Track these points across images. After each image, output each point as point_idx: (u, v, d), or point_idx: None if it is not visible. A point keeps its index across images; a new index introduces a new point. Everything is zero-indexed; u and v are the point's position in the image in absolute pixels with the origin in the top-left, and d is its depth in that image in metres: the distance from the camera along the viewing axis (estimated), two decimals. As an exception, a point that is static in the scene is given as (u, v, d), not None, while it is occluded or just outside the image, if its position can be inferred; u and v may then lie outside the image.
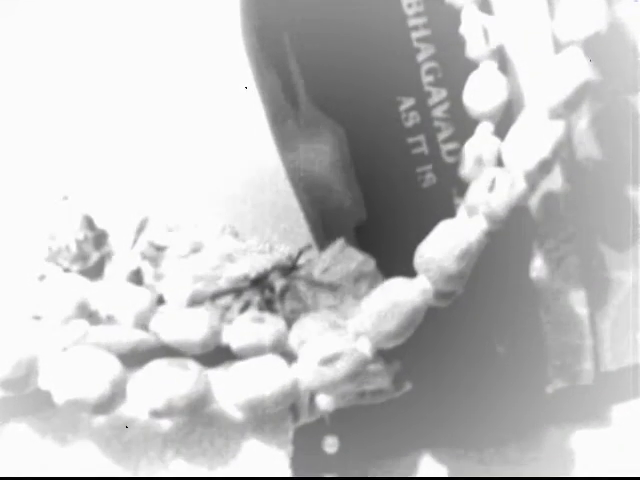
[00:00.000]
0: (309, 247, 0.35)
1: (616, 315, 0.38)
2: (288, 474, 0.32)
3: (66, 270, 0.34)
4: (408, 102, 0.36)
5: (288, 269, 0.35)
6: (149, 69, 0.35)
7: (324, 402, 0.32)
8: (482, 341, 0.37)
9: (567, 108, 0.33)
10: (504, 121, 0.35)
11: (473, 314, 0.36)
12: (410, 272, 0.32)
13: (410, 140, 0.36)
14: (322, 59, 0.35)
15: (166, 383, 0.30)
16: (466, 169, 0.35)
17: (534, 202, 0.37)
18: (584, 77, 0.33)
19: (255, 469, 0.32)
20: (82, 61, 0.35)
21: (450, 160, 0.36)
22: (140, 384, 0.30)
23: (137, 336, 0.32)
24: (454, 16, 0.35)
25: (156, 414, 0.30)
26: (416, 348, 0.32)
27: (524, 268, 0.37)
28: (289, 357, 0.31)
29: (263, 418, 0.32)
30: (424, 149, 0.36)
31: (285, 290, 0.34)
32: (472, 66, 0.35)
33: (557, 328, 0.37)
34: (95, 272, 0.34)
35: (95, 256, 0.34)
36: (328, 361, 0.30)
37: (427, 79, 0.36)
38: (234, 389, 0.30)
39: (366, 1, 0.35)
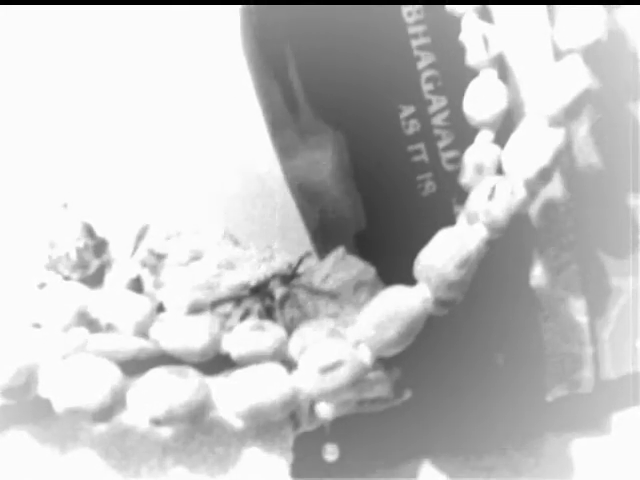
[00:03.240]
0: (309, 255, 0.35)
1: (616, 323, 0.38)
2: (288, 482, 0.32)
3: (66, 278, 0.34)
4: (408, 110, 0.36)
5: (288, 277, 0.35)
6: (151, 78, 0.35)
7: (324, 410, 0.32)
8: (482, 349, 0.37)
9: (567, 116, 0.33)
10: (504, 129, 0.35)
11: (473, 322, 0.36)
12: (410, 280, 0.32)
13: (410, 148, 0.36)
14: (322, 67, 0.35)
15: (166, 391, 0.30)
16: (466, 177, 0.35)
17: (534, 210, 0.37)
18: (584, 85, 0.33)
19: (255, 477, 0.32)
20: (83, 69, 0.35)
21: (450, 168, 0.36)
22: (140, 392, 0.30)
23: (137, 344, 0.32)
24: (454, 24, 0.35)
25: (156, 422, 0.30)
26: (416, 356, 0.32)
27: (524, 276, 0.37)
28: (289, 365, 0.31)
29: (263, 426, 0.32)
30: (424, 157, 0.36)
31: (285, 298, 0.34)
32: (472, 74, 0.35)
33: (557, 336, 0.37)
34: (95, 280, 0.34)
35: (95, 264, 0.34)
36: (328, 369, 0.30)
37: (427, 87, 0.36)
38: (234, 397, 0.30)
39: (366, 9, 0.35)
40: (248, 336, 0.32)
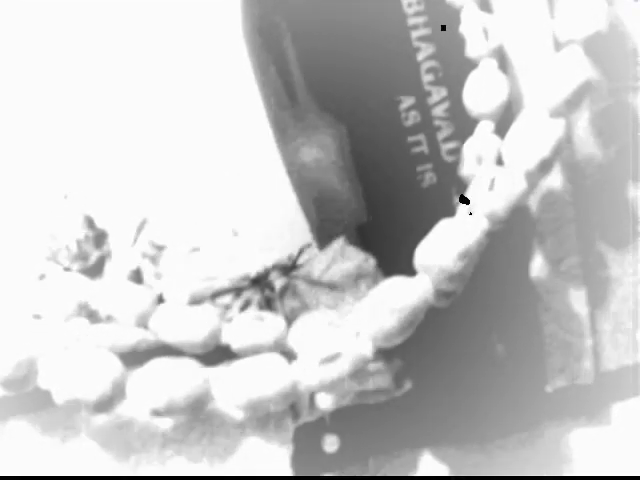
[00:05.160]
0: (309, 246, 0.35)
1: (616, 314, 0.38)
2: (288, 473, 0.32)
3: (66, 269, 0.34)
4: (408, 101, 0.36)
5: (288, 268, 0.35)
6: (150, 68, 0.35)
7: (324, 401, 0.32)
8: (482, 340, 0.37)
9: (567, 107, 0.33)
10: (504, 120, 0.35)
11: (473, 313, 0.36)
12: (410, 271, 0.32)
13: (410, 139, 0.36)
14: (322, 58, 0.35)
15: (166, 382, 0.30)
16: (466, 168, 0.35)
17: (534, 201, 0.37)
18: (584, 76, 0.33)
19: (255, 468, 0.32)
20: (83, 60, 0.35)
21: (450, 159, 0.36)
22: (140, 383, 0.30)
23: (137, 335, 0.32)
24: (454, 15, 0.35)
25: (156, 413, 0.30)
26: (416, 347, 0.32)
27: (524, 267, 0.37)
28: (289, 356, 0.31)
29: (263, 417, 0.32)
30: (424, 148, 0.36)
31: (285, 289, 0.34)
32: (472, 65, 0.35)
33: (557, 327, 0.37)
34: (95, 271, 0.34)
35: (95, 255, 0.34)
36: (328, 360, 0.30)
37: (427, 78, 0.36)
38: (234, 388, 0.30)
39: (366, 0, 0.35)
40: (248, 327, 0.32)
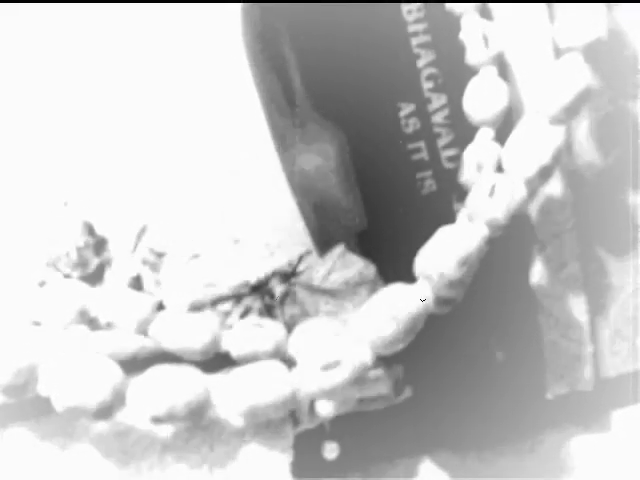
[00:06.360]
0: (309, 253, 0.35)
1: (616, 321, 0.38)
2: (288, 480, 0.32)
3: (66, 276, 0.34)
4: (408, 108, 0.36)
5: (288, 275, 0.35)
6: (150, 75, 0.35)
7: (324, 408, 0.32)
8: (482, 347, 0.37)
9: (567, 114, 0.33)
10: (504, 127, 0.35)
11: (473, 320, 0.36)
12: (410, 278, 0.32)
13: (410, 146, 0.36)
14: (322, 64, 0.35)
15: (166, 389, 0.30)
16: (466, 175, 0.35)
17: (534, 208, 0.37)
18: (584, 83, 0.33)
19: (255, 475, 0.32)
20: (83, 66, 0.35)
21: (450, 166, 0.36)
22: (140, 390, 0.30)
23: (137, 342, 0.32)
24: (454, 22, 0.35)
25: (156, 420, 0.30)
26: (417, 354, 0.32)
27: (524, 274, 0.37)
28: (289, 363, 0.31)
29: (263, 424, 0.32)
30: (424, 155, 0.36)
31: (285, 296, 0.34)
32: (472, 72, 0.35)
33: (557, 334, 0.37)
34: (95, 278, 0.34)
35: (95, 262, 0.34)
36: (328, 367, 0.30)
37: (427, 85, 0.36)
38: (234, 395, 0.30)
39: (366, 7, 0.35)
40: (248, 334, 0.32)
